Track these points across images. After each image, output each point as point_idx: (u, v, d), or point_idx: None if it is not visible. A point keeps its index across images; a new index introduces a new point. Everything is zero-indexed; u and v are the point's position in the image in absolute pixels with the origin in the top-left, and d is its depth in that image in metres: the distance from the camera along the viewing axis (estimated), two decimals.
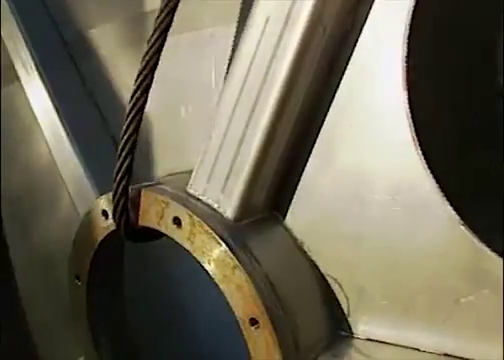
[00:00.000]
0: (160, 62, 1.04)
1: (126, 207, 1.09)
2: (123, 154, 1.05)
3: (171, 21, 1.02)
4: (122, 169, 1.06)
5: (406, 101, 0.88)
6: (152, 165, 1.33)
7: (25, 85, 1.47)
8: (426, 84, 0.89)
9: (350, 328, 1.04)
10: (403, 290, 0.97)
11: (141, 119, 1.05)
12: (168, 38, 1.05)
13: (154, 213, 1.08)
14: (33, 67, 1.43)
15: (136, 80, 1.04)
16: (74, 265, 1.29)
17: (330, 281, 1.04)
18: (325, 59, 0.97)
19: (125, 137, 1.05)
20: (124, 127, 1.05)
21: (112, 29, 1.41)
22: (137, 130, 1.05)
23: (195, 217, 1.01)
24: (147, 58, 1.03)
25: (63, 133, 1.39)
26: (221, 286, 1.00)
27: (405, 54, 0.88)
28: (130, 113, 1.04)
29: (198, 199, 1.06)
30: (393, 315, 0.99)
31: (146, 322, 1.51)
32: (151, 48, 1.02)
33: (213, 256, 1.00)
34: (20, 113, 1.57)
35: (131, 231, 1.13)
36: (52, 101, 1.41)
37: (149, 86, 1.04)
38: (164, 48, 1.04)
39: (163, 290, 1.54)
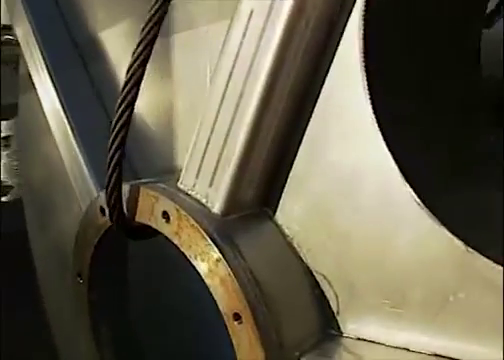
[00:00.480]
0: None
1: (119, 200, 1.10)
2: (113, 162, 1.06)
3: (158, 32, 1.01)
4: (113, 163, 1.07)
5: (368, 101, 0.88)
6: (152, 162, 1.34)
7: (36, 85, 1.50)
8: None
9: (339, 327, 1.02)
10: (393, 286, 0.95)
11: (126, 134, 1.05)
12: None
13: (146, 208, 1.08)
14: (43, 67, 1.46)
15: (122, 91, 1.02)
16: (76, 262, 1.30)
17: (319, 278, 1.03)
18: (311, 51, 0.96)
19: (114, 146, 1.06)
20: (110, 140, 1.06)
21: (121, 31, 1.43)
22: (123, 145, 1.06)
23: (182, 211, 1.01)
24: (132, 71, 1.02)
25: (70, 132, 1.41)
26: (206, 280, 0.99)
27: (362, 54, 0.87)
28: (115, 128, 1.05)
29: (187, 194, 1.06)
30: (383, 313, 0.97)
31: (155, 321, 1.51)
32: (136, 61, 1.00)
33: (198, 250, 0.99)
34: (38, 112, 1.60)
35: (127, 227, 1.14)
36: (60, 101, 1.43)
37: (135, 99, 1.03)
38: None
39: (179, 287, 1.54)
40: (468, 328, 0.88)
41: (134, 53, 1.01)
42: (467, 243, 0.82)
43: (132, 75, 1.01)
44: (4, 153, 2.21)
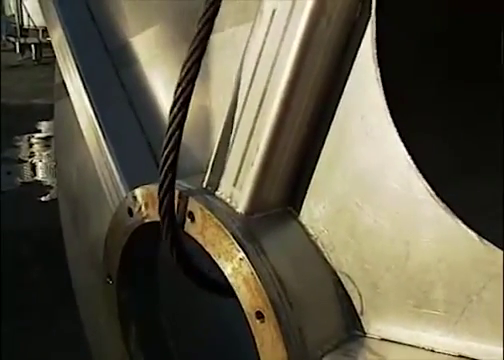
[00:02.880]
0: None
1: (171, 205, 1.05)
2: (166, 164, 1.05)
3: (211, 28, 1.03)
4: (167, 163, 1.05)
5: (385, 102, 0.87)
6: (181, 164, 1.35)
7: (69, 90, 1.53)
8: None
9: (363, 327, 1.01)
10: (416, 286, 0.94)
11: (181, 136, 1.04)
12: None
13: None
14: (76, 72, 1.49)
15: (176, 91, 1.02)
16: (106, 264, 1.32)
17: (343, 278, 1.02)
18: (332, 51, 0.96)
19: (168, 147, 1.05)
20: (165, 141, 1.04)
21: (151, 36, 1.45)
22: (178, 146, 1.04)
23: (206, 211, 1.02)
24: (186, 68, 1.01)
25: (101, 136, 1.43)
26: (230, 280, 1.00)
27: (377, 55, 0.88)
28: (169, 130, 1.03)
29: (212, 194, 1.07)
30: (406, 313, 0.96)
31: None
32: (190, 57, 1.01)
33: (222, 249, 1.00)
34: (72, 117, 1.62)
35: (177, 234, 1.08)
36: (92, 106, 1.46)
37: (190, 97, 1.02)
38: None
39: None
40: (493, 329, 0.87)
41: (188, 53, 1.01)
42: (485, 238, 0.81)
43: (187, 73, 1.01)
44: (45, 153, 2.27)
